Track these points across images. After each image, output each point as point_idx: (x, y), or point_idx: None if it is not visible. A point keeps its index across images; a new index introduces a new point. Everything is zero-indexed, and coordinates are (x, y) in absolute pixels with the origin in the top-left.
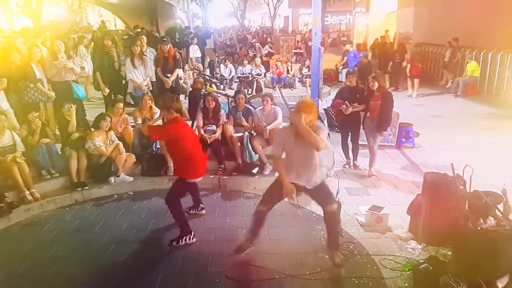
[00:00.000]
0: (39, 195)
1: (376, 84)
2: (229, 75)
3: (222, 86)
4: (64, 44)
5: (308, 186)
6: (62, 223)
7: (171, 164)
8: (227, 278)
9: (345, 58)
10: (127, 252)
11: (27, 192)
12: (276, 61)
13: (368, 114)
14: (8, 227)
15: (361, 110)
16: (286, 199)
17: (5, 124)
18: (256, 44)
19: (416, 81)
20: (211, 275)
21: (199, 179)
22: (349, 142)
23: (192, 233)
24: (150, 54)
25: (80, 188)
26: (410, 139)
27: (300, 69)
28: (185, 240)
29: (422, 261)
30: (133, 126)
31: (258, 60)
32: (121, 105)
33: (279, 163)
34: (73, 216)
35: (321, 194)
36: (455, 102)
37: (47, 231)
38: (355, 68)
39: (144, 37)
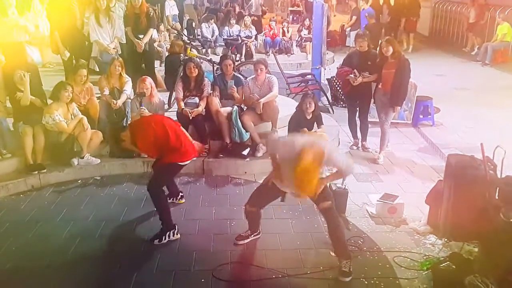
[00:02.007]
0: None
1: (391, 49)
2: (213, 37)
3: (204, 50)
4: None
5: None
6: (16, 213)
7: None
8: (214, 277)
9: (354, 17)
10: (94, 248)
11: None
12: (270, 21)
13: (380, 86)
14: None
15: (372, 80)
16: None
17: None
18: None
19: (411, 35)
20: (195, 275)
21: (192, 160)
22: (357, 118)
23: (176, 228)
24: (119, 10)
25: (36, 172)
26: (429, 116)
27: (299, 31)
28: (169, 236)
29: (443, 258)
30: (99, 98)
31: (248, 19)
32: (84, 72)
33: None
34: (29, 204)
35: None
36: (482, 72)
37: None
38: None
39: None
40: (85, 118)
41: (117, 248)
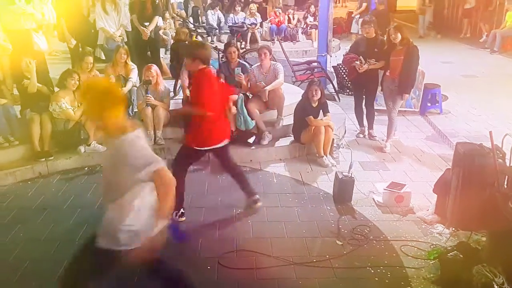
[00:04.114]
0: None
1: (399, 36)
2: (218, 25)
3: (209, 38)
4: None
5: None
6: (24, 200)
7: (151, 132)
8: (220, 265)
9: (364, 4)
10: None
11: None
12: (274, 7)
13: (387, 73)
14: None
15: (379, 67)
16: None
17: None
18: None
19: None
20: (201, 262)
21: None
22: (363, 106)
23: (181, 211)
24: None
25: (44, 159)
26: (437, 104)
27: (304, 18)
28: (172, 216)
29: (450, 248)
30: None
31: (253, 6)
32: (90, 59)
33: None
34: (36, 191)
35: None
36: (491, 59)
37: (6, 209)
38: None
39: None
40: None
41: None
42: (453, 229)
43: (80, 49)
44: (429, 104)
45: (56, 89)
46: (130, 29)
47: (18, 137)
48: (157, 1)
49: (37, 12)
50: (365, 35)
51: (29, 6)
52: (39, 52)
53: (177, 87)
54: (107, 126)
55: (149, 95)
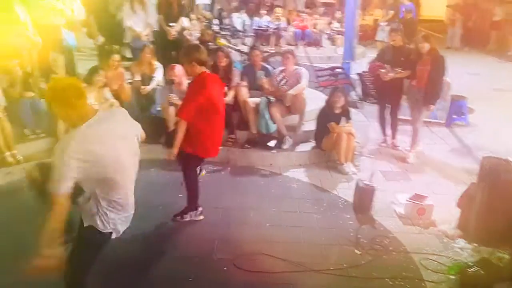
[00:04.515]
0: (21, 157)
1: (427, 46)
2: (242, 27)
3: (233, 41)
4: None
5: None
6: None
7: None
8: (236, 267)
9: (390, 12)
10: None
11: (8, 153)
12: (299, 12)
13: (413, 82)
14: None
15: (404, 76)
16: None
17: None
18: None
19: None
20: (217, 263)
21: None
22: (387, 115)
23: (199, 210)
24: None
25: None
26: (463, 116)
27: (330, 24)
28: (191, 215)
29: (472, 263)
30: (130, 83)
31: (278, 10)
32: (117, 57)
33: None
34: None
35: None
36: None
37: (30, 200)
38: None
39: None
40: (116, 103)
41: (141, 232)
42: (476, 244)
43: (107, 46)
44: (455, 116)
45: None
46: (156, 28)
47: (45, 129)
48: (183, 2)
49: (67, 8)
50: (392, 43)
51: (59, 2)
52: (67, 47)
53: None
54: (73, 121)
55: (173, 94)
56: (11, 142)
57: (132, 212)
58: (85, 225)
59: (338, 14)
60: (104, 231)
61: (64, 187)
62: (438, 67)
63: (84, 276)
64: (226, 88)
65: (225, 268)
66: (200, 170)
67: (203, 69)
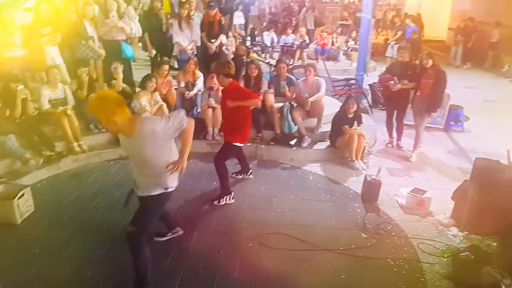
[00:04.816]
0: (86, 147)
1: (430, 62)
2: (271, 44)
3: (263, 55)
4: (116, 3)
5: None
6: (106, 176)
7: (210, 129)
8: (261, 244)
9: (399, 32)
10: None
11: (75, 143)
12: (321, 32)
13: (418, 93)
14: (57, 175)
15: (410, 88)
16: None
17: (57, 77)
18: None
19: None
20: (244, 239)
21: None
22: (394, 120)
23: (232, 194)
24: (197, 18)
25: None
26: (459, 123)
27: (346, 41)
28: (226, 200)
29: (463, 249)
30: (176, 89)
31: (302, 29)
32: (167, 67)
33: None
34: (117, 170)
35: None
36: (511, 88)
37: (92, 182)
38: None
39: (193, 0)
40: (164, 105)
41: (182, 211)
42: (467, 232)
43: (159, 58)
44: (452, 123)
45: (137, 89)
46: (199, 44)
47: None
48: (223, 22)
49: (127, 26)
50: (400, 59)
51: (120, 21)
52: (126, 59)
53: None
54: (119, 126)
55: (211, 99)
56: (79, 135)
57: None
58: (153, 194)
59: (353, 34)
60: (169, 190)
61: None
62: (440, 80)
63: (145, 233)
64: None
65: (250, 245)
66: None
67: (230, 80)
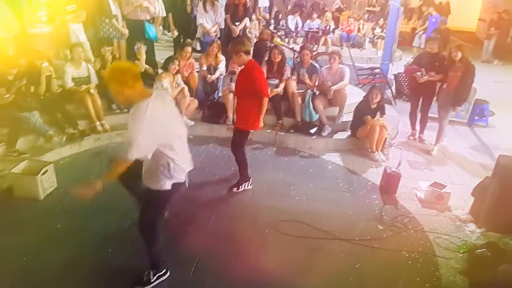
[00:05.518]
0: (108, 127)
1: (460, 55)
2: (296, 28)
3: (287, 40)
4: None
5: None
6: None
7: (230, 114)
8: (277, 230)
9: (427, 22)
10: (183, 193)
11: (98, 123)
12: (348, 17)
13: (444, 86)
14: (79, 153)
15: (437, 80)
16: None
17: (82, 55)
18: None
19: None
20: (261, 225)
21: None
22: (418, 112)
23: (250, 181)
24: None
25: None
26: (484, 118)
27: (373, 29)
28: (244, 186)
29: (479, 245)
30: (198, 72)
31: (328, 14)
32: (189, 49)
33: None
34: None
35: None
36: None
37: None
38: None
39: None
40: (186, 87)
41: (201, 194)
42: (485, 229)
43: (182, 40)
44: (476, 117)
45: (159, 71)
46: (223, 26)
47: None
48: (248, 5)
49: (151, 6)
50: (428, 50)
51: (145, 1)
52: (149, 39)
53: None
54: (126, 98)
55: (233, 83)
56: (101, 114)
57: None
58: (153, 188)
59: (380, 21)
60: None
61: (137, 154)
62: (468, 74)
63: (158, 223)
64: (277, 81)
65: (266, 230)
66: None
67: (249, 57)
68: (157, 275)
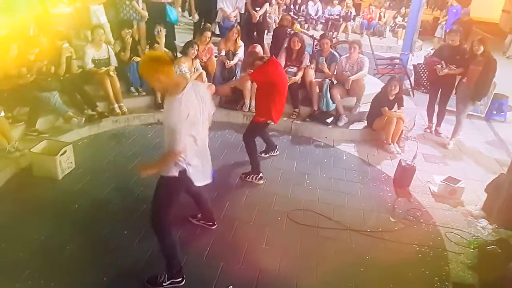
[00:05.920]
0: (126, 110)
1: (482, 48)
2: (316, 15)
3: (306, 26)
4: None
5: None
6: (144, 139)
7: (247, 101)
8: (289, 219)
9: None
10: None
11: (116, 105)
12: (370, 5)
13: (464, 79)
14: (97, 134)
15: (457, 73)
16: None
17: (102, 37)
18: None
19: None
20: (273, 213)
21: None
22: (436, 105)
23: (260, 175)
24: None
25: (162, 110)
26: (502, 113)
27: (394, 17)
28: (252, 178)
29: (490, 242)
30: (216, 57)
31: (349, 0)
32: (209, 33)
33: None
34: (154, 134)
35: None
36: None
37: (131, 144)
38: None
39: None
40: (204, 72)
41: (216, 180)
42: (497, 226)
43: (202, 24)
44: (494, 112)
45: (179, 55)
46: (243, 11)
47: (146, 89)
48: None
49: None
50: (450, 42)
51: None
52: (169, 22)
53: None
54: (163, 84)
55: (251, 70)
56: (120, 96)
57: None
58: (162, 174)
59: (402, 10)
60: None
61: (181, 145)
62: (489, 69)
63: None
64: (295, 69)
65: (279, 218)
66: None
67: (265, 57)
68: (171, 280)
